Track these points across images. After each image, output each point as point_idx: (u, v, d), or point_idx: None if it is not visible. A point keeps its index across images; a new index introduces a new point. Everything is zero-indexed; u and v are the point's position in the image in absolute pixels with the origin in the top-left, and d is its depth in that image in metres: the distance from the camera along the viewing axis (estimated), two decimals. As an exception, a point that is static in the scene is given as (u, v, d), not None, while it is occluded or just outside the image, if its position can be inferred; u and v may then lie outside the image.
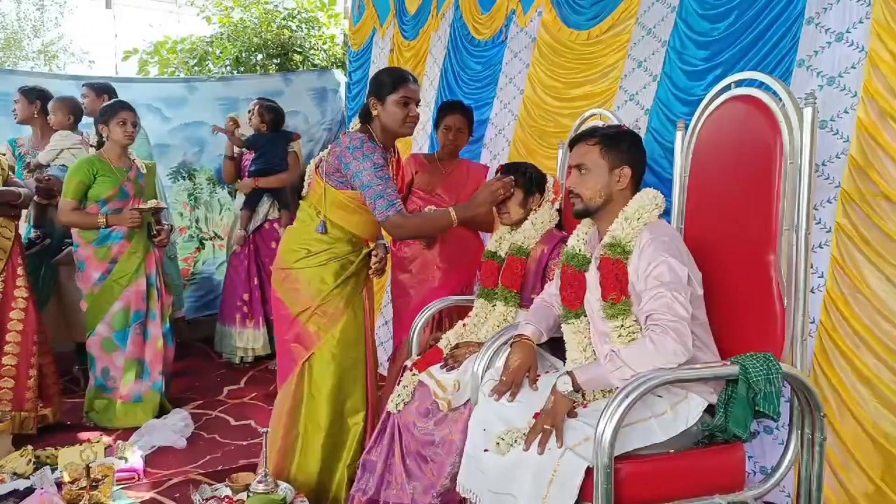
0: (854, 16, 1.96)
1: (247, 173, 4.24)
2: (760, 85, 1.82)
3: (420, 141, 4.20)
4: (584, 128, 2.57)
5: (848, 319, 1.90)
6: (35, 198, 3.45)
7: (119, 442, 2.86)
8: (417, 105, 2.34)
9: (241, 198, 4.26)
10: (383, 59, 4.63)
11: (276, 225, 4.22)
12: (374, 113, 2.33)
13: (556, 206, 2.45)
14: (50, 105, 3.79)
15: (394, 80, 2.31)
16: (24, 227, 3.64)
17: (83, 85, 4.12)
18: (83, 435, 3.07)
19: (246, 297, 4.21)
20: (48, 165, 3.64)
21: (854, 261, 1.90)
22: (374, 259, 2.48)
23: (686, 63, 2.54)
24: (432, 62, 4.14)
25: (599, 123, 2.51)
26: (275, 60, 6.68)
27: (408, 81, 2.32)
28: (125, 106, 3.28)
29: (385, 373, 4.09)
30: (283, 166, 4.21)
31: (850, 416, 1.88)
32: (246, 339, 4.23)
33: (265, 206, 4.20)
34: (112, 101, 3.47)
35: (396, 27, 4.49)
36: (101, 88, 3.99)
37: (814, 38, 2.05)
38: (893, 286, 1.81)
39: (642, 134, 2.52)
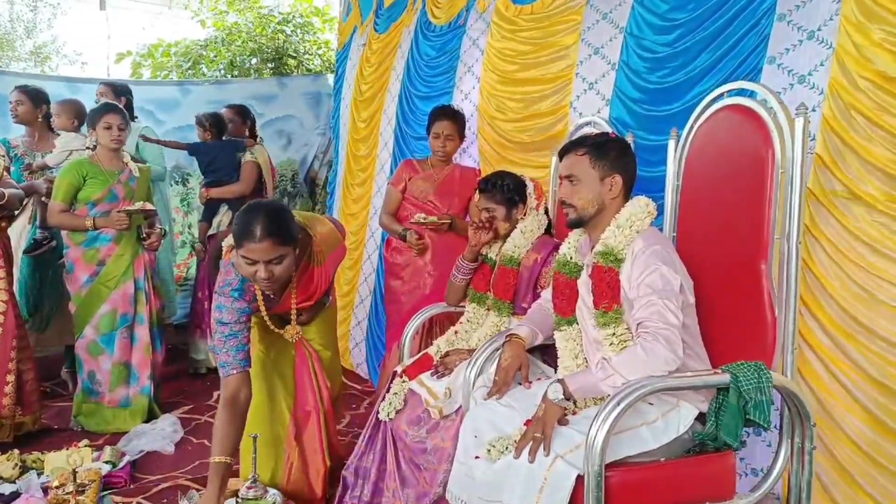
0: (826, 13, 1.96)
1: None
2: (749, 93, 1.83)
3: (385, 135, 4.20)
4: (576, 136, 2.59)
5: (820, 320, 1.90)
6: (43, 199, 3.42)
7: (107, 447, 2.83)
8: (275, 263, 1.94)
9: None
10: (358, 55, 4.63)
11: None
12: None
13: (542, 209, 2.44)
14: (53, 107, 3.77)
15: (237, 236, 1.94)
16: (29, 229, 3.63)
17: (101, 83, 4.09)
18: (70, 439, 3.03)
19: (199, 307, 4.15)
20: (55, 167, 3.60)
21: (821, 260, 1.90)
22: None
23: (645, 49, 2.52)
24: (400, 56, 4.13)
25: (592, 132, 2.52)
26: (269, 65, 6.68)
27: (251, 239, 1.90)
28: (110, 109, 3.23)
29: (361, 373, 4.10)
30: (233, 176, 4.08)
31: (825, 415, 1.88)
32: (196, 350, 4.17)
33: (220, 216, 4.10)
34: (100, 104, 3.44)
35: (373, 23, 4.49)
36: (121, 90, 3.98)
37: (786, 35, 2.05)
38: (859, 285, 1.82)
39: (607, 127, 2.49)
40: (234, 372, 2.07)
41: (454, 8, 3.65)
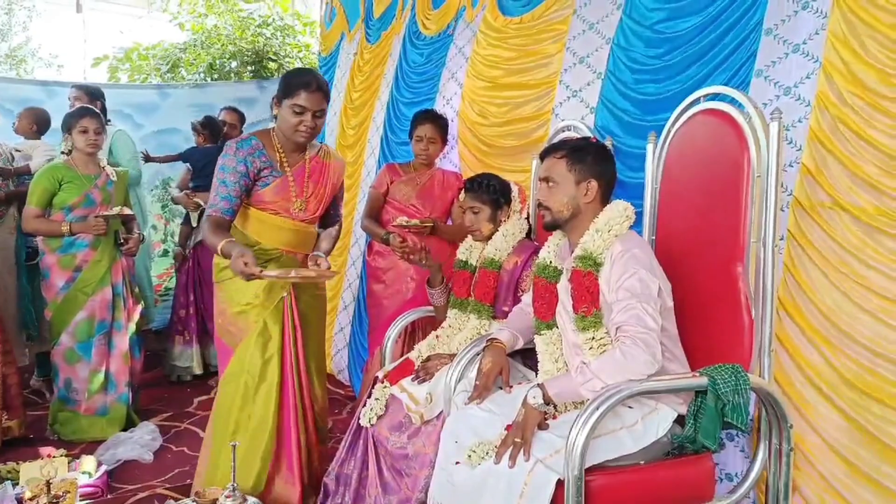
0: (811, 27, 2.00)
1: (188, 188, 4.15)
2: (729, 99, 1.85)
3: (373, 142, 4.20)
4: (557, 139, 2.60)
5: (800, 326, 1.92)
6: None
7: (83, 456, 2.79)
8: (317, 116, 2.22)
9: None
10: (348, 63, 4.65)
11: None
12: (274, 113, 2.28)
13: (524, 214, 2.46)
14: (19, 112, 3.88)
15: (293, 85, 2.20)
16: (15, 238, 3.65)
17: (72, 87, 4.06)
18: (45, 449, 2.98)
19: (182, 313, 4.11)
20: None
21: (805, 268, 1.93)
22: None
23: (633, 61, 2.55)
24: (391, 64, 4.16)
25: (573, 136, 2.54)
26: (249, 68, 6.64)
27: (308, 89, 2.18)
28: (86, 113, 3.19)
29: (343, 379, 4.08)
30: None
31: (802, 420, 1.90)
32: (180, 357, 4.11)
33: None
34: (76, 108, 3.40)
35: (363, 32, 4.53)
36: (94, 93, 3.96)
37: (772, 48, 2.09)
38: (842, 293, 1.84)
39: (588, 132, 2.52)
40: (215, 213, 2.19)
41: (444, 19, 3.70)
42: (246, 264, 1.98)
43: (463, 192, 2.48)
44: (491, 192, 2.39)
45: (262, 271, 2.01)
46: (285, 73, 2.30)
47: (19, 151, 3.84)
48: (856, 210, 1.83)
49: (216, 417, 2.35)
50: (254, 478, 2.28)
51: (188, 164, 4.23)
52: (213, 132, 4.15)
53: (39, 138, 3.93)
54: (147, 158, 4.42)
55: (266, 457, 2.29)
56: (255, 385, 2.29)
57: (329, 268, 2.28)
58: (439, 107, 3.52)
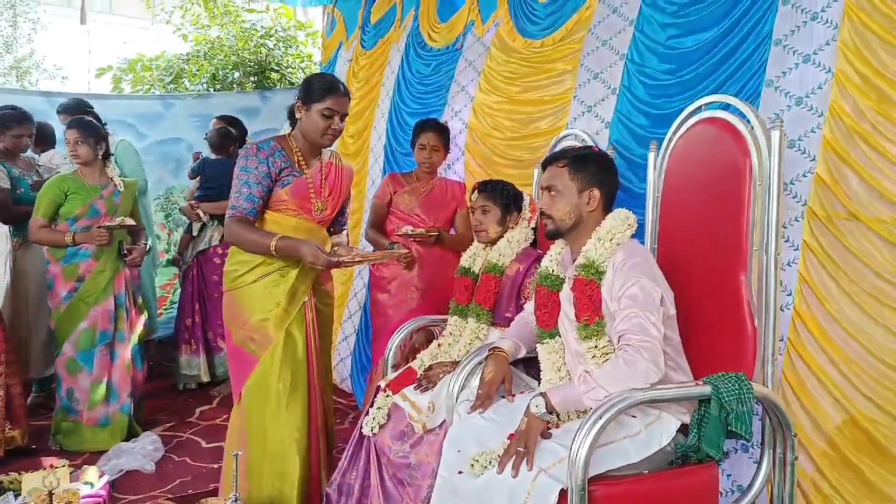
0: (821, 38, 2.01)
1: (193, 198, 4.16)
2: (729, 108, 1.85)
3: (376, 151, 4.21)
4: (559, 148, 2.61)
5: (816, 337, 1.92)
6: None
7: (85, 466, 2.78)
8: (343, 119, 2.29)
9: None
10: (344, 69, 4.68)
11: (218, 250, 4.01)
12: (298, 116, 2.30)
13: (532, 224, 2.47)
14: None
15: (323, 89, 2.24)
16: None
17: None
18: (48, 459, 2.98)
19: (188, 322, 4.11)
20: None
21: (821, 279, 1.93)
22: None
23: (647, 77, 2.57)
24: (390, 72, 4.18)
25: (575, 144, 2.55)
26: (252, 78, 6.68)
27: (337, 93, 2.25)
28: (70, 125, 3.20)
29: (346, 388, 4.07)
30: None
31: (819, 432, 1.89)
32: (187, 366, 4.11)
33: (210, 231, 4.05)
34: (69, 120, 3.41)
35: (359, 39, 4.57)
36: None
37: (782, 59, 2.10)
38: (858, 304, 1.84)
39: (603, 146, 2.53)
40: (239, 214, 2.24)
41: (452, 33, 3.72)
42: (323, 252, 2.10)
43: (476, 192, 2.50)
44: (504, 195, 2.43)
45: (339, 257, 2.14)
46: (309, 78, 2.34)
47: (41, 165, 3.85)
48: (873, 222, 1.83)
49: (250, 429, 2.29)
50: (298, 481, 2.28)
51: (198, 176, 4.25)
52: (220, 145, 4.16)
53: (48, 149, 3.93)
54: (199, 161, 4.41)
55: (305, 460, 2.30)
56: (288, 393, 2.28)
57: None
58: (448, 118, 3.54)
